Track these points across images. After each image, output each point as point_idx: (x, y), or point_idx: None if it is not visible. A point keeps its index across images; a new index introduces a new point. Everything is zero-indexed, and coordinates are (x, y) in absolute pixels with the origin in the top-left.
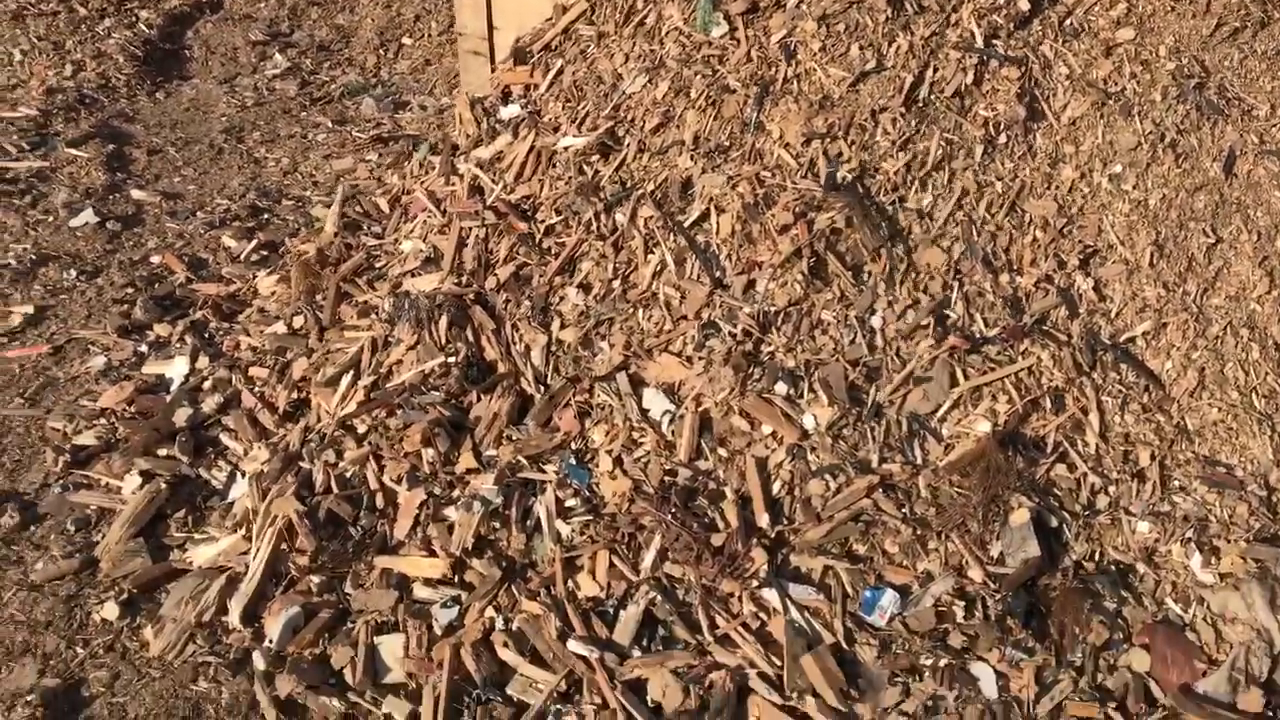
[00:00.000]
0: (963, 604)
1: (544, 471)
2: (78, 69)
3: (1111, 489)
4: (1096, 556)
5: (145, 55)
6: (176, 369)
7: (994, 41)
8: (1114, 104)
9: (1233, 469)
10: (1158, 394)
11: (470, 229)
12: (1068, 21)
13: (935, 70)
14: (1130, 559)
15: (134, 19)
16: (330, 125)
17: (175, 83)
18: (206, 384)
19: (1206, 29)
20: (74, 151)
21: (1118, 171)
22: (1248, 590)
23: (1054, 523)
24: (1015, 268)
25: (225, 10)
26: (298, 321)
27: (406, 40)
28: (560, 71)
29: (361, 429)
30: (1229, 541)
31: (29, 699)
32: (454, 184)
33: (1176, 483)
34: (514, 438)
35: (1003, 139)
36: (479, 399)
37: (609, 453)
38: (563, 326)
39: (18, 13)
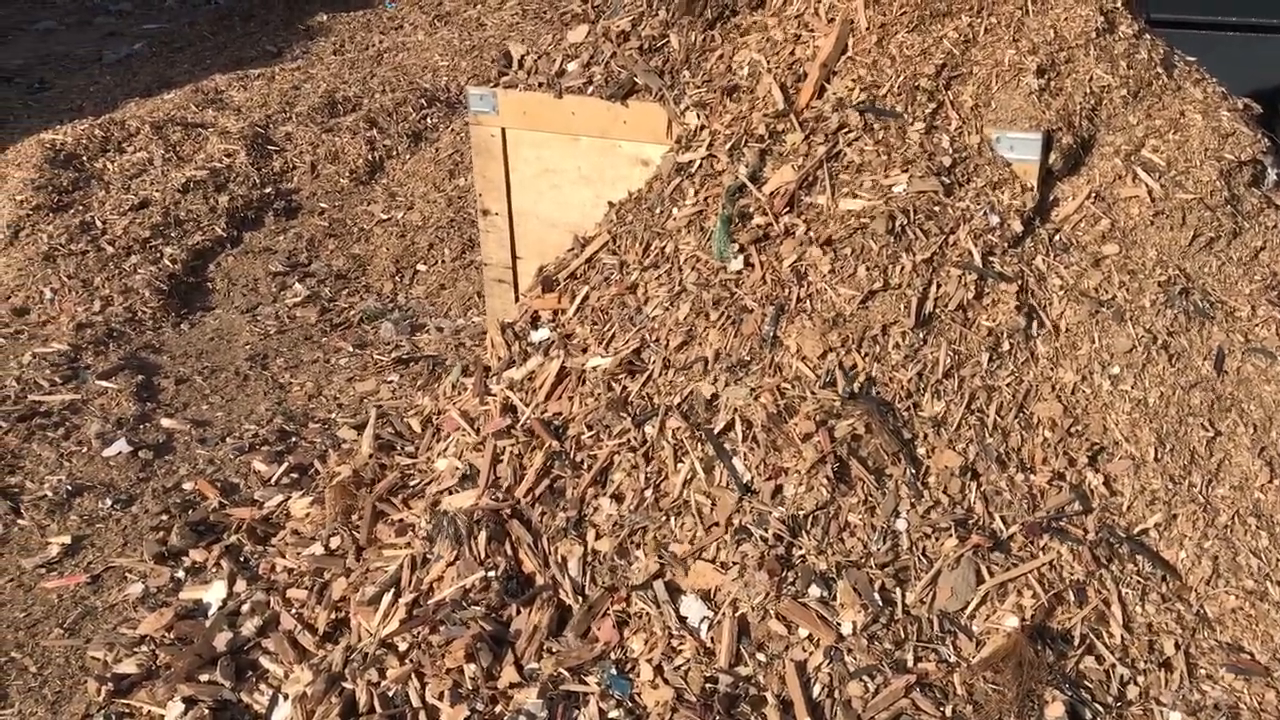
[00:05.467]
0: None
1: (586, 683)
2: (106, 304)
3: (1140, 679)
4: None
5: (170, 289)
6: (214, 593)
7: (991, 258)
8: (1106, 311)
9: (1256, 656)
10: (1175, 584)
11: (505, 446)
12: (1056, 237)
13: (938, 286)
14: None
15: (159, 255)
16: (351, 349)
17: (199, 314)
18: (245, 607)
19: (1185, 240)
20: (104, 384)
21: (1116, 373)
22: None
23: (1088, 715)
24: (1028, 466)
25: (245, 244)
26: (335, 542)
27: (421, 266)
28: (586, 297)
29: (403, 646)
30: None
31: None
32: (487, 404)
33: (1203, 671)
34: (555, 650)
35: (1006, 346)
36: (519, 612)
37: (649, 661)
38: (598, 537)
39: (49, 253)
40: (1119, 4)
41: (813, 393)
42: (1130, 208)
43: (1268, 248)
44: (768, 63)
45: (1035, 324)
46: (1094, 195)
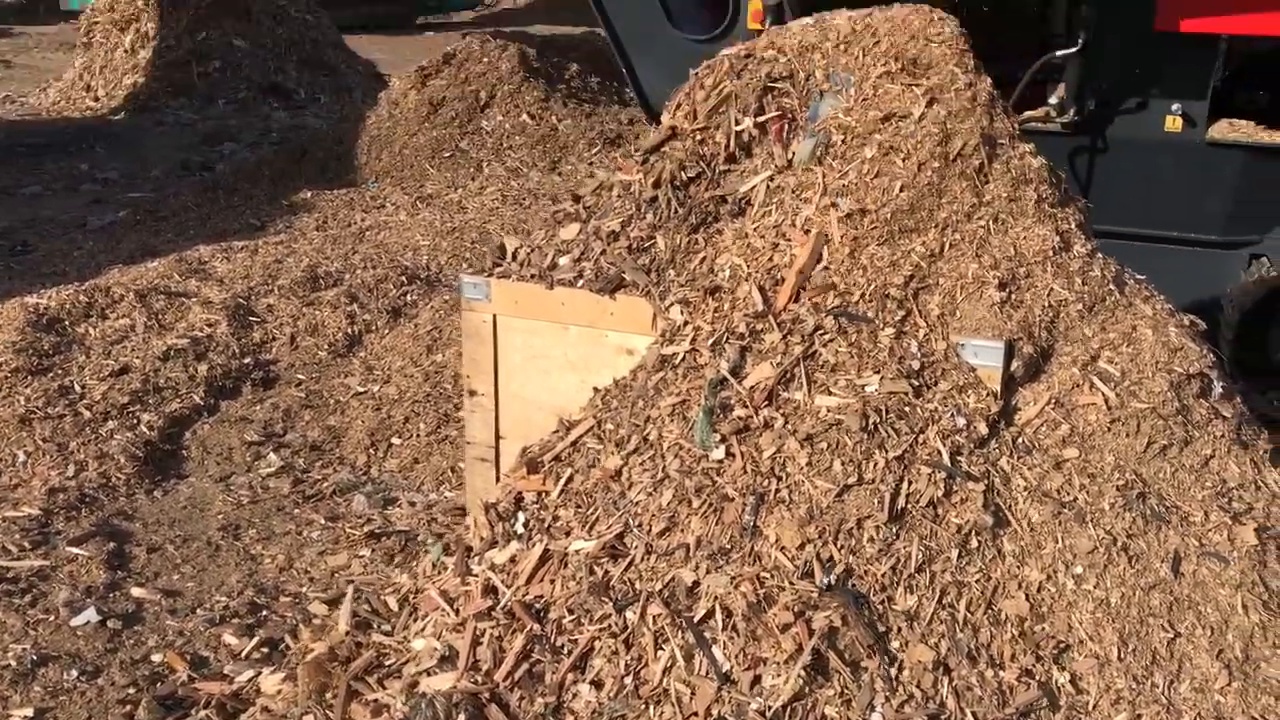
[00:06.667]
0: None
1: None
2: (80, 469)
3: None
4: None
5: (145, 455)
6: None
7: (958, 458)
8: (1069, 512)
9: None
10: None
11: (485, 628)
12: (1020, 440)
13: (910, 483)
14: None
15: (136, 421)
16: (323, 522)
17: (173, 481)
18: None
19: (1140, 446)
20: (75, 550)
21: (1079, 572)
22: None
23: None
24: (998, 662)
25: (222, 413)
26: None
27: (396, 440)
28: (570, 480)
29: None
30: None
31: None
32: (469, 584)
33: None
34: None
35: (974, 543)
36: None
37: None
38: None
39: (25, 416)
40: (1073, 225)
41: (791, 583)
42: (1088, 414)
43: (1216, 456)
44: (747, 267)
45: (1002, 523)
46: (1054, 401)
